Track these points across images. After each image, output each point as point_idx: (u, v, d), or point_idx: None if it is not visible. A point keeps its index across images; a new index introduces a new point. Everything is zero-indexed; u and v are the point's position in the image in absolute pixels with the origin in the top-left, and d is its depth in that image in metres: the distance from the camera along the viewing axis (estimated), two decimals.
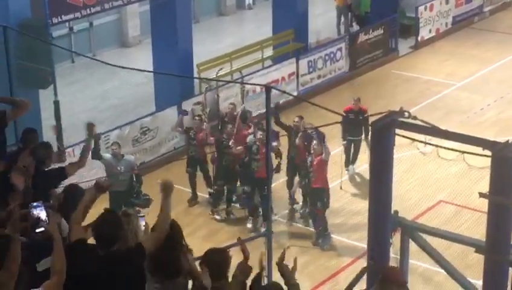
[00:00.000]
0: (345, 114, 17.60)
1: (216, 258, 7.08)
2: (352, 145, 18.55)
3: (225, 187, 17.28)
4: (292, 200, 17.30)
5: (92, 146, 12.35)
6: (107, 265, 6.66)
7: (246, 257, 7.16)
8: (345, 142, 18.44)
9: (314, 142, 16.02)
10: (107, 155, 16.21)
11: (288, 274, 7.23)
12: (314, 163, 15.91)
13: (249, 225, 16.80)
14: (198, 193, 17.84)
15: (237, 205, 17.49)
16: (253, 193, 16.68)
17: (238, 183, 17.34)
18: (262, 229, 15.43)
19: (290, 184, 17.26)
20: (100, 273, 6.66)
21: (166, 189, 7.13)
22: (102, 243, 6.76)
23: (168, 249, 7.10)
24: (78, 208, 7.30)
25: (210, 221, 17.25)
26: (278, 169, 16.49)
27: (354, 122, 18.04)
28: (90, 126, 11.05)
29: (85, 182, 15.14)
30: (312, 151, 16.00)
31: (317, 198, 16.07)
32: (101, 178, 8.85)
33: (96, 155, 15.89)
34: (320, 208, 16.07)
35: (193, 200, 17.87)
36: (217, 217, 17.29)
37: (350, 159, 18.68)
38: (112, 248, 6.74)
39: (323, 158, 15.88)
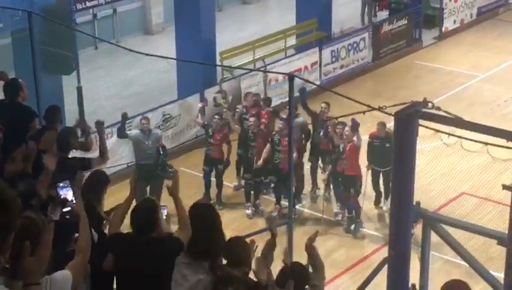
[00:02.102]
0: (369, 139, 16.61)
1: (235, 247, 7.11)
2: (381, 176, 16.70)
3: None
4: (314, 186, 17.43)
5: (106, 143, 11.46)
6: (149, 250, 6.70)
7: (273, 235, 7.77)
8: (369, 170, 16.67)
9: (346, 128, 15.97)
10: (134, 131, 16.33)
11: (316, 255, 7.75)
12: (347, 149, 15.88)
13: (275, 214, 16.81)
14: (225, 183, 17.59)
15: (264, 197, 17.35)
16: (279, 183, 16.67)
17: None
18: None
19: (313, 170, 17.33)
20: (145, 259, 6.69)
21: (173, 190, 7.10)
22: (140, 230, 6.78)
23: (203, 230, 7.01)
24: (122, 207, 7.36)
25: (231, 209, 17.25)
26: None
27: (379, 151, 16.32)
28: (99, 125, 10.11)
29: (109, 167, 15.24)
30: (344, 137, 15.97)
31: (350, 185, 16.08)
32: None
33: (123, 134, 16.03)
34: (354, 194, 16.09)
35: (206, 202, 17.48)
36: (248, 211, 17.00)
37: (381, 194, 17.00)
38: (151, 234, 6.75)
39: (355, 144, 15.84)
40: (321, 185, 17.23)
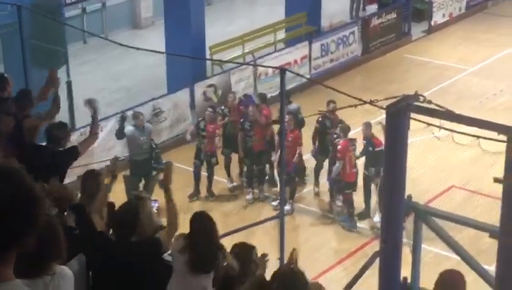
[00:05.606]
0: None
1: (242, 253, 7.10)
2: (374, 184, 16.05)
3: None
4: (317, 182, 17.41)
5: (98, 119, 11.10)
6: (128, 256, 6.69)
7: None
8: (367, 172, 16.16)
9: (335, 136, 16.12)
10: (129, 128, 16.21)
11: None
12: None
13: (274, 203, 16.74)
14: (216, 177, 17.52)
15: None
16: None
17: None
18: (287, 207, 15.54)
19: (318, 168, 17.37)
20: (123, 265, 6.69)
21: (165, 182, 7.10)
22: (120, 232, 6.78)
23: (206, 244, 7.01)
24: (96, 198, 7.27)
25: (225, 203, 17.28)
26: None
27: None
28: (91, 101, 9.85)
29: (104, 161, 15.22)
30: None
31: (345, 186, 16.14)
32: (113, 160, 8.55)
33: (121, 135, 15.98)
34: (348, 192, 16.11)
35: (194, 195, 17.10)
36: (248, 197, 17.11)
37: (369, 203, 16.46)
38: (131, 237, 6.73)
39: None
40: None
